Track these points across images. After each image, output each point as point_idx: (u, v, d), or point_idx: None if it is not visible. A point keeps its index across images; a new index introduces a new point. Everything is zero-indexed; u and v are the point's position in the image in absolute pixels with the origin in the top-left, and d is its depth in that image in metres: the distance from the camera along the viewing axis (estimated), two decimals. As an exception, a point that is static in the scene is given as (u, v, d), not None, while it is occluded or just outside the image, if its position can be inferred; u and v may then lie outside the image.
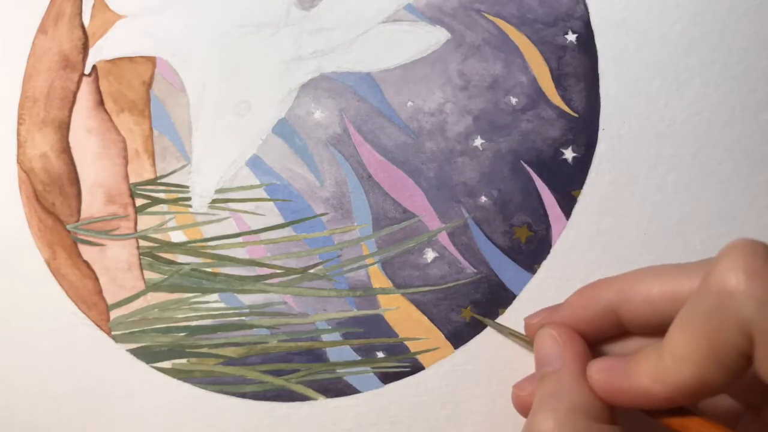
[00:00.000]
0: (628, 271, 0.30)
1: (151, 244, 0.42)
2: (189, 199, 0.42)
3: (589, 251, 0.39)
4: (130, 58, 0.43)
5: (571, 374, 0.29)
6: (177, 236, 0.42)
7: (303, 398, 0.39)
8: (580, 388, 0.28)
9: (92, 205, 0.42)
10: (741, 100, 0.38)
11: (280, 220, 0.41)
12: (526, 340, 0.36)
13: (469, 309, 0.39)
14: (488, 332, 0.39)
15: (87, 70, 0.44)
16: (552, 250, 0.39)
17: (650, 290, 0.28)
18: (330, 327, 0.40)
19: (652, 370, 0.26)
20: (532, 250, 0.39)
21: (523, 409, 0.32)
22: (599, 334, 0.31)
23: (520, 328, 0.37)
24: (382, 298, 0.40)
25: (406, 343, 0.39)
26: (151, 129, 0.43)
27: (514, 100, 0.40)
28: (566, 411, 0.27)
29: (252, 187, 0.41)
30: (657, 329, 0.27)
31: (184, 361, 0.41)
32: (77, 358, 0.41)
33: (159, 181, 0.42)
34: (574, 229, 0.39)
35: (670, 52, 0.39)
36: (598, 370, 0.28)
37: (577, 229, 0.39)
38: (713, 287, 0.23)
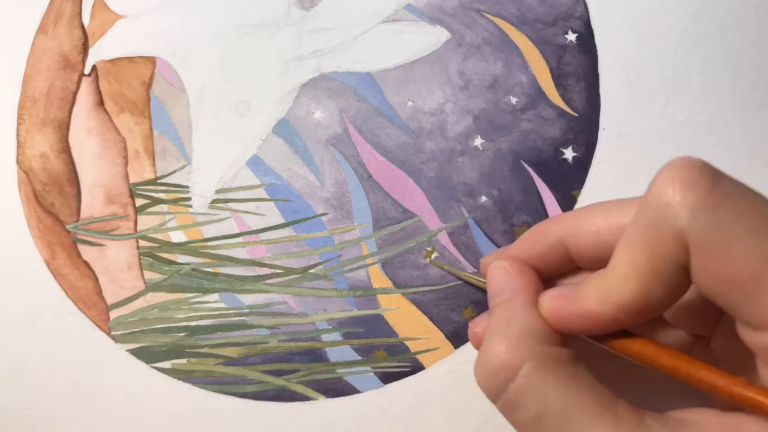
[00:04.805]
0: (577, 208, 0.30)
1: (151, 244, 0.42)
2: (189, 199, 0.42)
3: (590, 251, 0.39)
4: (130, 58, 0.43)
5: (523, 302, 0.29)
6: (177, 236, 0.42)
7: (303, 398, 0.39)
8: (531, 315, 0.28)
9: (92, 205, 0.42)
10: (741, 100, 0.38)
11: (281, 220, 0.41)
12: (483, 281, 0.35)
13: (469, 310, 0.39)
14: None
15: (87, 70, 0.43)
16: (552, 250, 0.39)
17: (597, 222, 0.28)
18: (330, 327, 0.40)
19: (597, 291, 0.26)
20: (533, 250, 0.39)
21: (479, 344, 0.32)
22: (551, 269, 0.31)
23: None
24: (382, 298, 0.40)
25: (406, 342, 0.39)
26: (151, 129, 0.42)
27: (514, 100, 0.40)
28: (518, 335, 0.27)
29: (252, 187, 0.41)
30: (605, 262, 0.27)
31: (184, 361, 0.40)
32: (77, 358, 0.41)
33: (159, 181, 0.42)
34: (574, 228, 0.39)
35: (670, 51, 0.39)
36: (549, 299, 0.29)
37: (578, 228, 0.39)
38: (651, 201, 0.24)
